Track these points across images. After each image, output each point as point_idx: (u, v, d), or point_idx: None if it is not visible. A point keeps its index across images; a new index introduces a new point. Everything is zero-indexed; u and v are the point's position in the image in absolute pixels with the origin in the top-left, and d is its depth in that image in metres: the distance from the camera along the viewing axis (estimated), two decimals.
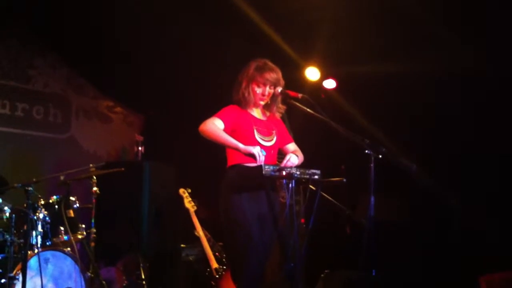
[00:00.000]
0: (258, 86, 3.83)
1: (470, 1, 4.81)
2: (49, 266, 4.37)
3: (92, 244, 4.85)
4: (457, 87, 5.44)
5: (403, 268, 5.45)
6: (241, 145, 3.64)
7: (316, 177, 3.66)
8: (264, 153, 3.63)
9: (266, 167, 3.51)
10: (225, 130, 3.74)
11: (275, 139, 3.89)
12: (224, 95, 4.03)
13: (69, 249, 4.54)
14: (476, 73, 5.18)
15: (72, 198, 4.71)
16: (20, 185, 4.24)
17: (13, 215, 4.26)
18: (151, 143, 6.70)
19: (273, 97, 3.90)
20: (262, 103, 3.90)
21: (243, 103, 3.87)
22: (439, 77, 5.43)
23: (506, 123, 5.28)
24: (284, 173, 3.54)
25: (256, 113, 3.93)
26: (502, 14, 4.79)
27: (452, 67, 5.26)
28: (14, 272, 4.05)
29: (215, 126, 3.71)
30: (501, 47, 5.02)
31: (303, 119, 4.27)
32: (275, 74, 3.83)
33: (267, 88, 3.84)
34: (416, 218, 5.65)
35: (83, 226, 4.70)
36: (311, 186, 3.96)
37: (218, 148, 3.84)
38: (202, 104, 5.12)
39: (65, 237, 4.55)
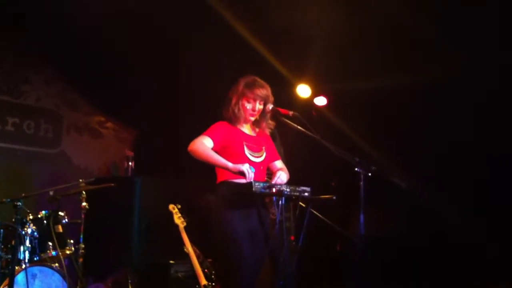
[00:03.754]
0: (248, 102, 3.84)
1: (461, 14, 4.87)
2: (37, 281, 4.33)
3: (81, 259, 4.80)
4: (448, 100, 5.49)
5: (393, 285, 5.45)
6: (230, 164, 3.64)
7: (306, 194, 3.67)
8: (253, 169, 3.64)
9: (256, 184, 3.51)
10: (214, 147, 3.75)
11: (264, 155, 3.90)
12: (215, 111, 4.04)
13: (57, 264, 4.51)
14: (466, 85, 5.24)
15: (61, 213, 4.69)
16: (9, 200, 4.22)
17: (1, 230, 4.25)
18: (142, 159, 6.70)
19: (263, 113, 3.91)
20: (252, 119, 3.91)
21: (233, 120, 3.88)
22: (429, 91, 5.48)
23: (499, 132, 5.34)
24: (274, 190, 3.55)
25: (246, 129, 3.94)
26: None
27: (442, 80, 5.31)
28: (1, 287, 4.01)
29: (204, 146, 3.71)
30: (490, 59, 5.09)
31: (294, 136, 4.28)
32: (265, 90, 3.85)
33: (257, 104, 3.85)
34: (409, 232, 5.66)
35: (72, 241, 4.67)
36: (301, 203, 3.96)
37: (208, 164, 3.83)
38: (193, 119, 5.13)
39: (53, 253, 4.52)
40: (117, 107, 6.86)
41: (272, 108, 3.89)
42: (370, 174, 3.73)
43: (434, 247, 5.60)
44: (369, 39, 5.35)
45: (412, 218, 5.71)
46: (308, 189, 3.69)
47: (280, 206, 3.55)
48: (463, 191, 5.45)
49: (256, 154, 3.84)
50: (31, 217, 4.50)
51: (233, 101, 3.86)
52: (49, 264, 4.46)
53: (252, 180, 3.54)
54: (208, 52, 5.77)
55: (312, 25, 5.34)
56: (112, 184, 5.05)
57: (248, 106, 3.85)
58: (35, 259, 4.44)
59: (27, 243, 4.37)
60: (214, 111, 4.06)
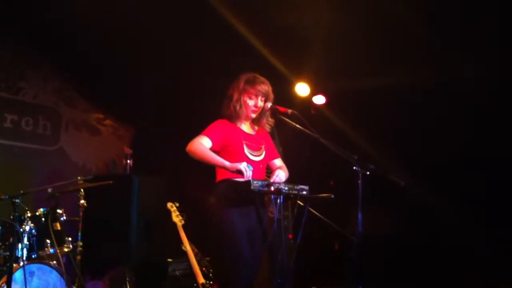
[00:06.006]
0: (250, 98, 3.84)
1: (459, 13, 4.87)
2: (34, 279, 4.32)
3: (79, 257, 4.81)
4: (447, 98, 5.49)
5: (390, 284, 5.46)
6: (227, 163, 3.64)
7: (304, 193, 3.67)
8: (251, 168, 3.64)
9: (255, 182, 3.51)
10: (213, 147, 3.74)
11: (264, 153, 3.90)
12: (214, 108, 4.03)
13: (55, 262, 4.50)
14: (464, 84, 5.24)
15: (59, 211, 4.68)
16: (7, 196, 4.21)
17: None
18: (140, 156, 6.69)
19: (262, 111, 3.92)
20: (253, 115, 3.91)
21: (234, 117, 3.88)
22: (428, 90, 5.48)
23: (495, 136, 5.34)
24: (272, 188, 3.55)
25: (245, 127, 3.94)
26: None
27: (441, 79, 5.31)
28: None
29: (202, 146, 3.70)
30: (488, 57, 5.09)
31: (292, 134, 4.28)
32: (266, 86, 3.86)
33: (259, 100, 3.85)
34: (405, 232, 5.67)
35: (70, 239, 4.67)
36: (299, 202, 3.96)
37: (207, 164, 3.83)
38: (192, 117, 5.14)
39: (51, 250, 4.51)
40: (116, 105, 6.85)
41: (271, 106, 3.89)
42: (368, 172, 3.73)
43: (432, 246, 5.61)
44: (368, 37, 5.35)
45: (410, 216, 5.72)
46: (306, 187, 3.69)
47: (278, 204, 3.56)
48: (461, 190, 5.46)
49: (255, 153, 3.84)
50: (29, 214, 4.48)
51: (234, 97, 3.85)
52: (47, 261, 4.45)
53: (250, 178, 3.54)
54: (207, 50, 5.76)
55: (311, 24, 5.34)
56: (110, 182, 5.05)
57: (250, 102, 3.85)
58: (33, 256, 4.43)
59: (25, 240, 4.35)
60: (213, 109, 4.06)
